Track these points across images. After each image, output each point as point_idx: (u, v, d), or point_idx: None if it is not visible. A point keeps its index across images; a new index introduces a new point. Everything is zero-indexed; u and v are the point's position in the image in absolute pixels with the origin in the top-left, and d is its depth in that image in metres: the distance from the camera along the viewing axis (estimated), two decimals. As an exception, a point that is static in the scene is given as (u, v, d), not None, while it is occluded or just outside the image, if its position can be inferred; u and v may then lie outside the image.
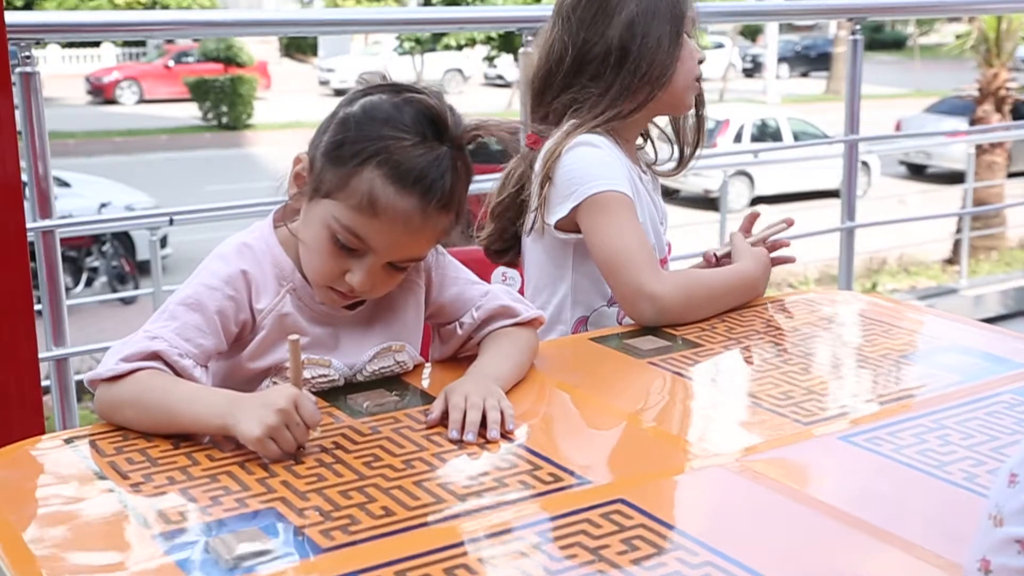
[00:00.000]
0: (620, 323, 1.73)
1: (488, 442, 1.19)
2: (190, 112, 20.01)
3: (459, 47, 21.97)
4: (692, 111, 1.82)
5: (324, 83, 23.65)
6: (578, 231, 1.69)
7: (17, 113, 2.17)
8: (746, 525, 1.04)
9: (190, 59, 22.13)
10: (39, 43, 2.26)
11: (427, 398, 1.32)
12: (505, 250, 1.83)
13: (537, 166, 1.72)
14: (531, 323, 1.45)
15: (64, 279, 2.39)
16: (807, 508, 1.06)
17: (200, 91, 19.67)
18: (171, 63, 22.21)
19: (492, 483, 1.10)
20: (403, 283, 1.37)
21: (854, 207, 3.46)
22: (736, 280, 1.69)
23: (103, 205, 9.94)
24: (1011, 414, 1.28)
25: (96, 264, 9.78)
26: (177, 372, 1.23)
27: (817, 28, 30.32)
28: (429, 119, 1.25)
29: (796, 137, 14.73)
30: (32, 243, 2.17)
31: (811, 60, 28.40)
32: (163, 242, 9.27)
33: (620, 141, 1.74)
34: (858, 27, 3.24)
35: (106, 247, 9.73)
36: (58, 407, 2.37)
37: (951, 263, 10.23)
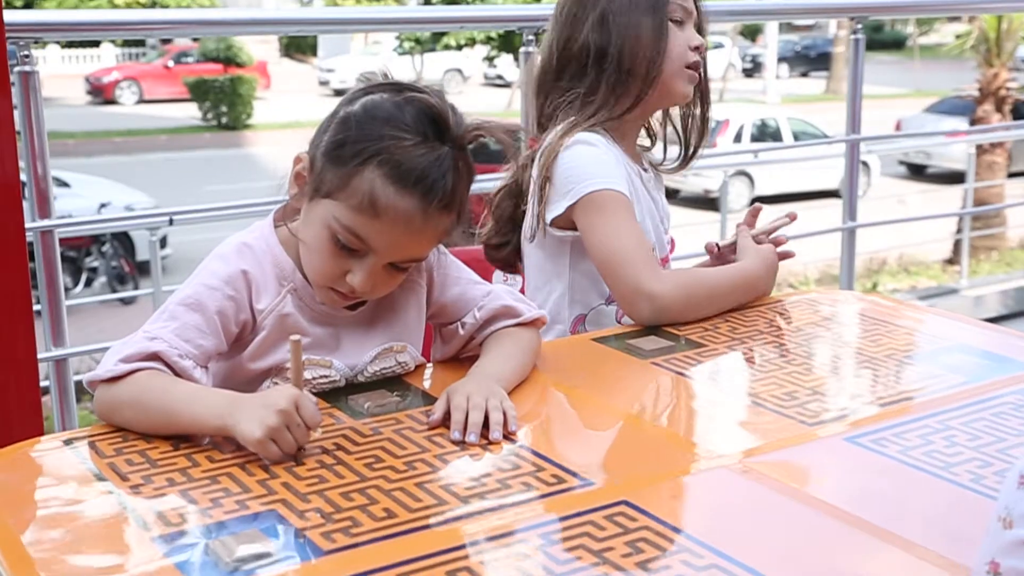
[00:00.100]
0: (619, 322, 1.73)
1: (490, 443, 1.18)
2: (190, 112, 20.00)
3: (459, 47, 21.96)
4: (698, 110, 1.81)
5: (324, 83, 23.64)
6: (575, 229, 1.68)
7: (16, 113, 2.16)
8: (751, 527, 1.03)
9: (190, 59, 22.12)
10: (38, 42, 2.25)
11: (429, 399, 1.31)
12: (503, 244, 1.82)
13: (535, 169, 1.71)
14: (533, 323, 1.44)
15: (64, 279, 2.38)
16: (812, 510, 1.05)
17: (200, 91, 19.66)
18: (171, 63, 22.21)
19: (495, 485, 1.09)
20: (404, 283, 1.36)
21: (855, 207, 3.46)
22: (739, 279, 1.67)
23: (103, 205, 9.93)
24: (1017, 415, 1.27)
25: (96, 264, 9.77)
26: (177, 373, 1.22)
27: (817, 28, 30.33)
28: (430, 118, 1.24)
29: (796, 137, 14.73)
30: (31, 243, 2.16)
31: (811, 60, 28.41)
32: (163, 242, 9.26)
33: (619, 139, 1.73)
34: (859, 26, 3.23)
35: (106, 247, 9.72)
36: (57, 408, 2.36)
37: (951, 263, 10.22)
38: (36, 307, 2.12)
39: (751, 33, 29.20)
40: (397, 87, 1.27)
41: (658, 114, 1.83)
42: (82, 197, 10.31)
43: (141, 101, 21.66)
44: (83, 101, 21.64)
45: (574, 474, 1.11)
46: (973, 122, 11.21)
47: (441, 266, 1.42)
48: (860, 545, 0.99)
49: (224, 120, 19.36)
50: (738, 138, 14.34)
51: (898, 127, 15.23)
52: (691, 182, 12.61)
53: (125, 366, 1.20)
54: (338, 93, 21.32)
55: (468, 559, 0.95)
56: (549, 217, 1.68)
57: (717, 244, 1.77)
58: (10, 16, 2.07)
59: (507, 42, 18.55)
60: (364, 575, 0.92)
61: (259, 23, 3.14)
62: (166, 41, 22.55)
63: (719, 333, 1.57)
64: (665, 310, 1.59)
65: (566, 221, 1.68)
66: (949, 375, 1.40)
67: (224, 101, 19.36)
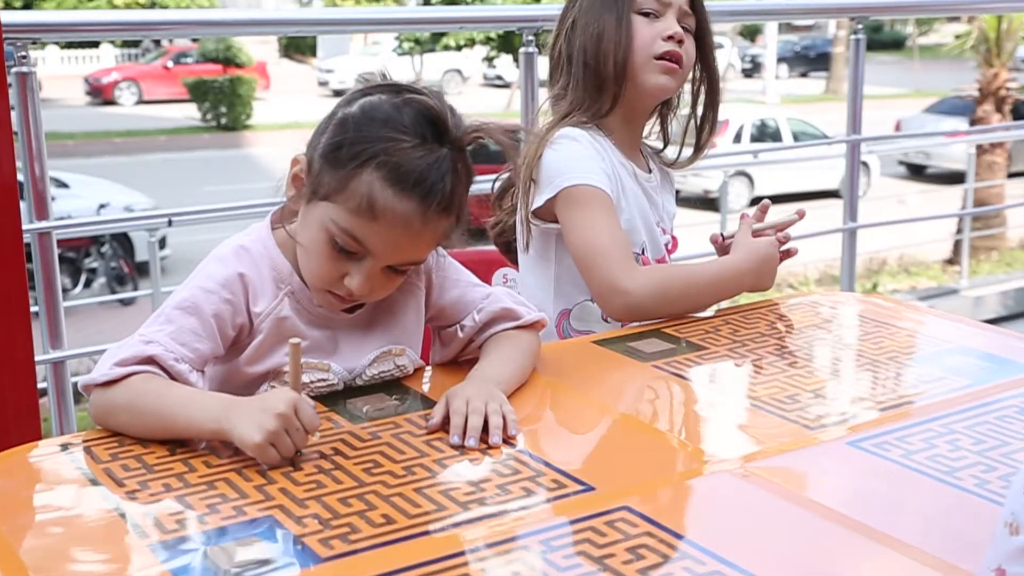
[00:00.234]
0: (605, 319, 1.72)
1: (490, 448, 1.17)
2: (189, 113, 19.99)
3: (458, 47, 21.95)
4: (700, 106, 1.81)
5: (323, 84, 23.63)
6: (557, 222, 1.69)
7: (13, 114, 2.15)
8: (754, 533, 1.02)
9: (189, 60, 22.11)
10: (35, 43, 2.24)
11: (428, 402, 1.30)
12: (512, 240, 1.83)
13: (523, 169, 1.71)
14: (533, 326, 1.43)
15: (63, 280, 2.38)
16: (814, 515, 1.04)
17: (199, 92, 19.65)
18: (170, 64, 22.20)
19: (494, 490, 1.08)
20: (403, 286, 1.35)
21: (856, 207, 3.45)
22: (723, 273, 1.65)
23: (102, 206, 9.93)
24: (1021, 418, 1.26)
25: (95, 265, 9.76)
26: (173, 377, 1.21)
27: (816, 28, 30.33)
28: (429, 120, 1.22)
29: (796, 137, 14.72)
30: (28, 244, 2.15)
31: (810, 60, 28.41)
32: (162, 243, 9.24)
33: (610, 135, 1.74)
34: (860, 27, 3.22)
35: (105, 248, 9.71)
36: (55, 410, 2.35)
37: (951, 263, 10.21)
38: (34, 308, 2.11)
39: (750, 33, 29.19)
40: (395, 88, 1.25)
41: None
42: (81, 198, 10.30)
43: (140, 102, 21.64)
44: (82, 102, 21.63)
45: (574, 479, 1.10)
46: (973, 122, 11.19)
47: (440, 268, 1.41)
48: (863, 550, 0.98)
49: (223, 121, 19.34)
50: (738, 138, 14.33)
51: (898, 127, 15.22)
52: (691, 182, 12.60)
53: (120, 370, 1.19)
54: (337, 94, 21.30)
55: (467, 566, 0.94)
56: (531, 209, 1.69)
57: (722, 234, 1.76)
58: (7, 17, 2.06)
59: (506, 43, 18.53)
60: (362, 582, 0.91)
61: (258, 24, 3.13)
62: (157, 41, 22.52)
63: (720, 336, 1.56)
64: (637, 306, 1.59)
65: (548, 214, 1.69)
66: (952, 378, 1.39)
67: (223, 102, 19.35)
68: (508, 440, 1.19)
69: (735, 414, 1.32)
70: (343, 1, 22.00)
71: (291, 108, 20.05)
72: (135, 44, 24.21)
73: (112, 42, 22.86)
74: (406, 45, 21.62)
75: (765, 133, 14.86)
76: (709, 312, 1.69)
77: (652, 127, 1.86)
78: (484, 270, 1.78)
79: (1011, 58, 11.06)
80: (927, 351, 1.52)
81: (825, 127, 15.09)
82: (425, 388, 1.37)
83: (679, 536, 0.99)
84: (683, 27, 1.73)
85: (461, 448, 1.17)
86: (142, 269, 9.56)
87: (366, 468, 1.12)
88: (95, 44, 23.12)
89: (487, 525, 1.01)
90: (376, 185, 1.20)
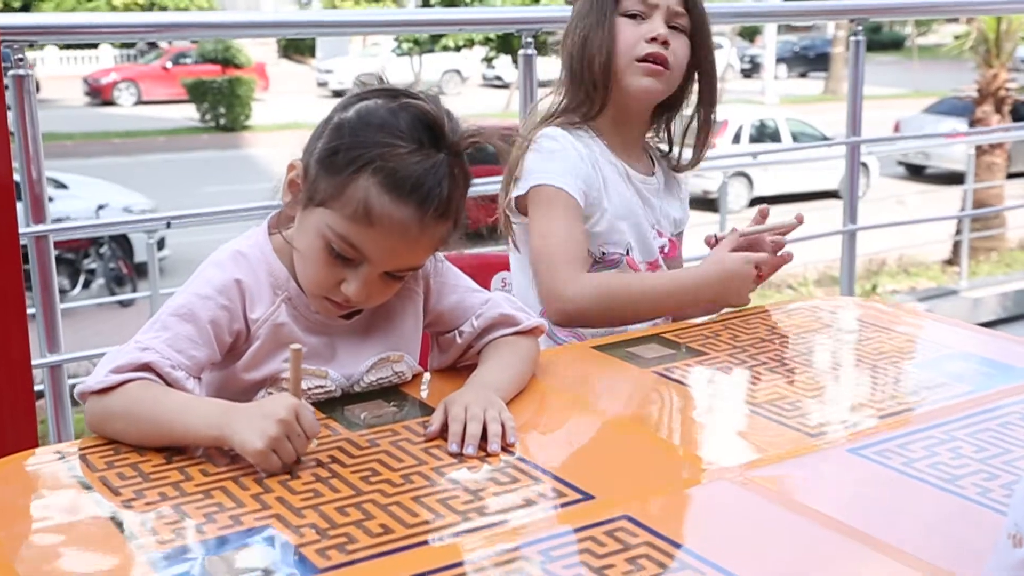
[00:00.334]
0: None
1: (488, 455, 1.16)
2: (188, 113, 19.98)
3: (457, 48, 21.94)
4: (692, 109, 1.80)
5: (322, 84, 23.62)
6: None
7: (10, 116, 2.14)
8: (754, 542, 1.01)
9: (188, 60, 22.11)
10: (32, 46, 2.23)
11: (426, 409, 1.29)
12: None
13: (508, 168, 1.72)
14: (532, 332, 1.42)
15: (61, 281, 2.37)
16: (815, 524, 1.03)
17: (198, 92, 19.63)
18: (169, 64, 22.19)
19: (492, 499, 1.07)
20: (401, 291, 1.34)
21: (856, 209, 3.44)
22: (680, 286, 1.65)
23: (100, 207, 9.93)
24: (1023, 425, 1.25)
25: (94, 266, 9.75)
26: (169, 384, 1.20)
27: (815, 28, 30.33)
28: (426, 125, 1.21)
29: (795, 138, 14.71)
30: (25, 246, 2.14)
31: (809, 60, 28.41)
32: (160, 244, 9.23)
33: (599, 135, 1.74)
34: (860, 28, 3.21)
35: (104, 249, 9.70)
36: (52, 414, 2.34)
37: (951, 264, 10.20)
38: (31, 310, 2.10)
39: (749, 34, 29.18)
40: (392, 93, 1.24)
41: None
42: (80, 199, 10.29)
43: (139, 102, 21.64)
44: (81, 102, 21.63)
45: (574, 487, 1.09)
46: (972, 123, 11.18)
47: (438, 274, 1.40)
48: (864, 559, 0.97)
49: (222, 121, 19.33)
50: (737, 139, 14.32)
51: (897, 128, 15.21)
52: (690, 183, 12.54)
53: (116, 377, 1.18)
54: (336, 94, 21.30)
55: (465, 576, 0.93)
56: (508, 206, 1.71)
57: (715, 236, 1.75)
58: (3, 19, 2.06)
59: (505, 43, 18.53)
60: (359, 593, 0.90)
61: (256, 26, 3.11)
62: (152, 43, 22.51)
63: (720, 341, 1.55)
64: (577, 313, 1.60)
65: (524, 209, 1.71)
66: (953, 384, 1.38)
67: (222, 102, 19.33)
68: (507, 448, 1.18)
69: (735, 421, 1.31)
70: (342, 2, 21.99)
71: (290, 109, 20.04)
72: (134, 44, 24.20)
73: (111, 43, 22.84)
74: (405, 46, 21.61)
75: (764, 133, 14.85)
76: (710, 317, 1.68)
77: (661, 129, 1.85)
78: (482, 274, 1.77)
79: (1010, 59, 11.05)
80: (927, 357, 1.51)
81: (824, 127, 15.08)
82: (423, 394, 1.37)
83: (679, 546, 0.98)
84: (674, 27, 1.72)
85: (460, 456, 1.16)
86: (141, 270, 9.56)
87: (364, 476, 1.11)
88: (94, 45, 23.11)
89: (486, 535, 1.00)
90: (373, 191, 1.19)
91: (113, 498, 1.07)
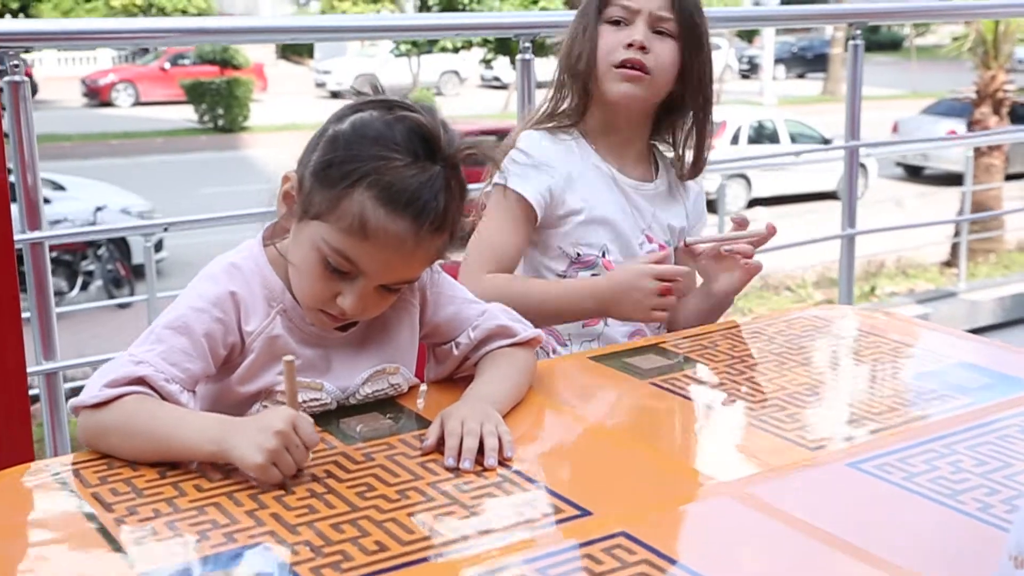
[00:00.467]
0: None
1: (485, 470, 1.15)
2: (186, 114, 19.96)
3: (455, 50, 21.94)
4: (689, 116, 1.79)
5: (320, 85, 23.60)
6: None
7: (5, 122, 2.13)
8: (753, 560, 1.00)
9: (186, 61, 22.08)
10: (28, 51, 2.22)
11: (422, 422, 1.28)
12: None
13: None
14: (529, 343, 1.41)
15: (59, 283, 2.36)
16: (814, 541, 1.02)
17: (196, 93, 19.62)
18: (167, 65, 22.17)
19: (489, 515, 1.06)
20: (397, 303, 1.33)
21: (855, 214, 3.42)
22: (567, 294, 1.68)
23: (98, 208, 9.90)
24: (1023, 437, 1.24)
25: (91, 268, 9.73)
26: (163, 397, 1.19)
27: (813, 29, 30.29)
28: (421, 137, 1.20)
29: (793, 139, 14.71)
30: (20, 251, 2.13)
31: (808, 61, 28.41)
32: (158, 246, 9.21)
33: (587, 138, 1.76)
34: (858, 32, 3.20)
35: (101, 251, 9.68)
36: (48, 421, 2.33)
37: (949, 266, 10.20)
38: (26, 314, 2.08)
39: (748, 35, 29.18)
40: (387, 104, 1.23)
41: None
42: (78, 200, 10.28)
43: (137, 103, 21.61)
44: (79, 103, 21.60)
45: (571, 503, 1.08)
46: (971, 124, 11.17)
47: (435, 285, 1.39)
48: (865, 578, 0.96)
49: (220, 122, 19.31)
50: (735, 140, 14.31)
51: (895, 128, 15.21)
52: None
53: (111, 391, 1.17)
54: (335, 95, 21.30)
55: (462, 596, 0.92)
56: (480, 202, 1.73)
57: (684, 241, 1.75)
58: (-2, 25, 2.04)
59: (504, 45, 18.53)
60: (354, 614, 0.89)
61: (255, 31, 3.10)
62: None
63: (718, 351, 1.54)
64: None
65: None
66: (953, 396, 1.37)
67: (220, 103, 19.32)
68: (504, 462, 1.17)
69: (734, 434, 1.31)
70: (340, 4, 21.96)
71: (288, 110, 20.02)
72: (132, 45, 24.16)
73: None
74: (403, 47, 21.59)
75: (763, 134, 14.84)
76: (708, 327, 1.67)
77: (667, 134, 1.84)
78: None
79: (1008, 60, 11.05)
80: (927, 368, 1.50)
81: (823, 128, 15.07)
82: (420, 406, 1.36)
83: (677, 563, 0.97)
84: (660, 31, 1.71)
85: (456, 470, 1.15)
86: (139, 272, 9.53)
87: (359, 492, 1.10)
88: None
89: (482, 553, 0.99)
90: (368, 205, 1.18)
91: (106, 515, 1.06)
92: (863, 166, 13.58)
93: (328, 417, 1.29)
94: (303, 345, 1.30)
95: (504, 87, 22.61)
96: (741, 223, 1.71)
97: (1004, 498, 1.10)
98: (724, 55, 23.09)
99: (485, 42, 19.53)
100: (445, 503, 1.09)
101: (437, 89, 22.59)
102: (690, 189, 1.85)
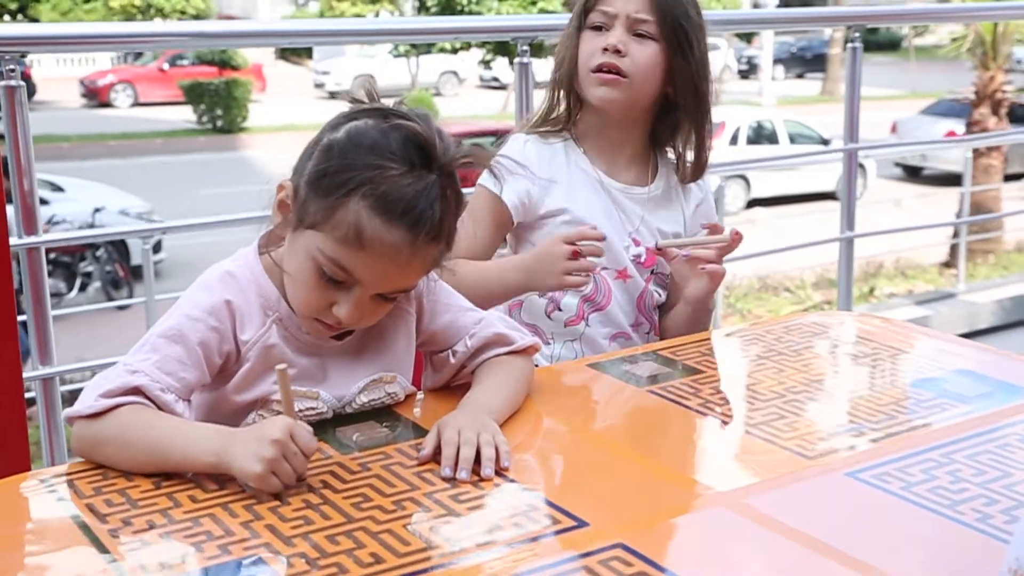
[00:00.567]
0: (548, 316, 1.75)
1: (482, 480, 1.15)
2: (185, 115, 19.95)
3: (454, 50, 21.91)
4: (688, 122, 1.78)
5: (319, 86, 23.58)
6: None
7: (1, 126, 2.12)
8: (752, 572, 1.00)
9: (185, 62, 22.07)
10: (24, 56, 2.21)
11: (419, 431, 1.28)
12: None
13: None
14: (526, 351, 1.41)
15: (57, 284, 2.35)
16: (813, 552, 1.01)
17: (195, 94, 19.60)
18: (166, 66, 22.15)
19: (485, 526, 1.06)
20: (393, 311, 1.32)
21: (854, 217, 3.41)
22: (504, 268, 1.68)
23: (97, 209, 9.90)
24: (1023, 446, 1.24)
25: (90, 269, 9.73)
26: (159, 407, 1.19)
27: (812, 29, 30.29)
28: (417, 146, 1.19)
29: (792, 139, 14.70)
30: (16, 255, 2.12)
31: (806, 62, 28.40)
32: (157, 247, 9.20)
33: (577, 141, 1.78)
34: (857, 35, 3.19)
35: (100, 252, 9.68)
36: (44, 426, 2.32)
37: (948, 267, 10.20)
38: (22, 318, 2.07)
39: (746, 35, 29.17)
40: (382, 112, 1.22)
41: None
42: (76, 201, 10.28)
43: (136, 104, 21.59)
44: (78, 104, 21.58)
45: (568, 514, 1.08)
46: (969, 124, 11.17)
47: (431, 293, 1.38)
48: (863, 591, 0.96)
49: (219, 123, 19.30)
50: (734, 140, 14.30)
51: (894, 129, 15.21)
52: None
53: (106, 401, 1.17)
54: (333, 96, 21.29)
55: (457, 609, 0.92)
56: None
57: (657, 244, 1.76)
58: (-6, 30, 2.03)
59: (503, 45, 18.51)
60: (349, 628, 0.89)
61: (254, 35, 3.09)
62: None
63: (716, 359, 1.53)
64: None
65: None
66: (952, 404, 1.37)
67: (219, 104, 19.30)
68: (500, 471, 1.16)
69: (732, 443, 1.30)
70: (339, 3, 21.95)
71: (287, 110, 20.01)
72: (131, 46, 24.15)
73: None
74: (402, 48, 21.58)
75: (762, 135, 14.83)
76: (706, 333, 1.67)
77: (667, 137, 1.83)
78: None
79: (1007, 61, 11.05)
80: (927, 375, 1.49)
81: (821, 128, 15.07)
82: (416, 414, 1.35)
83: (674, 576, 0.96)
84: (640, 33, 1.71)
85: (452, 480, 1.15)
86: (137, 273, 9.53)
87: (355, 503, 1.10)
88: (90, 46, 23.04)
89: (479, 564, 0.98)
90: (363, 214, 1.17)
91: (100, 526, 1.06)
92: (862, 167, 13.58)
93: (324, 426, 1.28)
94: (299, 354, 1.29)
95: (503, 87, 22.60)
96: (713, 228, 1.71)
97: (1003, 508, 1.09)
98: (723, 55, 23.09)
99: (484, 43, 19.52)
100: (441, 514, 1.08)
101: (436, 90, 22.58)
102: (693, 194, 1.84)
